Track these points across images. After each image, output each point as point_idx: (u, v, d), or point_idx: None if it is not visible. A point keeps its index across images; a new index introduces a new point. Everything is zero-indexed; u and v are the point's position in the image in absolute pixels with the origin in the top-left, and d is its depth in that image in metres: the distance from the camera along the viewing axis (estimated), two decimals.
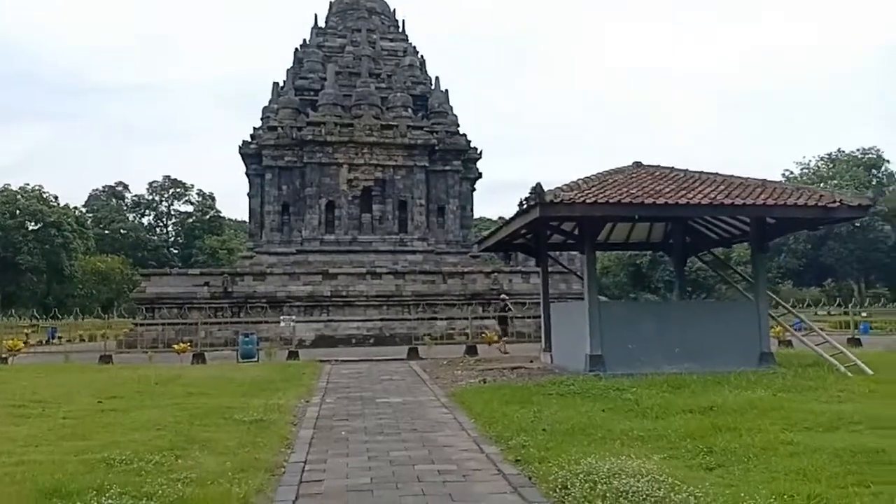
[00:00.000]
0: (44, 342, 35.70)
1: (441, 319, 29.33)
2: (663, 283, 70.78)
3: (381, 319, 30.18)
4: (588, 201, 12.12)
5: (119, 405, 10.07)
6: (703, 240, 17.59)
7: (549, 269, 34.32)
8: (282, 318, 20.10)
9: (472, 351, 19.77)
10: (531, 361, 16.87)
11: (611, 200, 12.19)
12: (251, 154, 36.63)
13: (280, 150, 35.27)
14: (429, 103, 38.31)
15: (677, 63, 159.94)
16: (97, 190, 78.44)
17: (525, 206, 12.39)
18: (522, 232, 16.04)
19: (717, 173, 14.61)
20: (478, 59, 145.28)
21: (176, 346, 18.87)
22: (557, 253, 44.62)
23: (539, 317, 29.88)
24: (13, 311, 55.41)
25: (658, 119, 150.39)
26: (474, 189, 40.38)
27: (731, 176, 14.42)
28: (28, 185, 58.39)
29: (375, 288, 30.93)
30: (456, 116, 38.94)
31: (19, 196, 56.57)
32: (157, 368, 15.91)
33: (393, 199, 35.68)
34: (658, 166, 15.14)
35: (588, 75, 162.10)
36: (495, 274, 32.61)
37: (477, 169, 39.88)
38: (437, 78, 39.01)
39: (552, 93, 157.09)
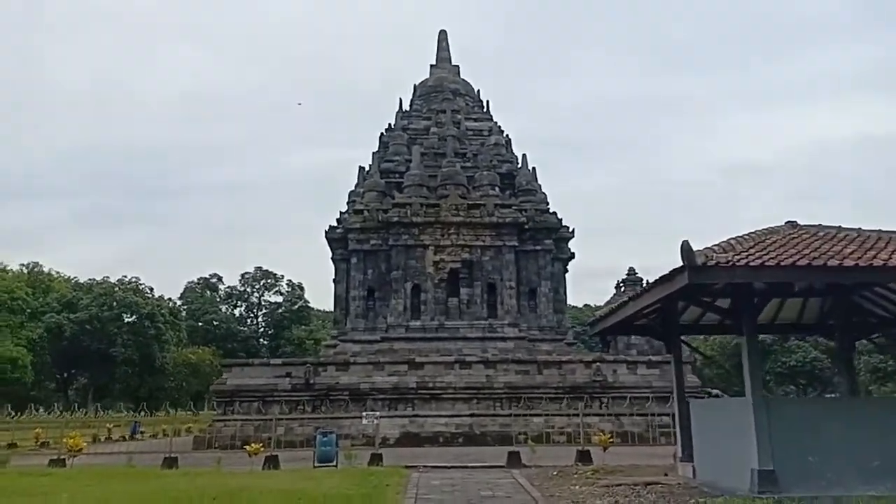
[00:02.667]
0: (126, 437, 34.88)
1: (538, 416, 26.12)
2: (773, 376, 63.94)
3: (471, 415, 27.24)
4: (752, 264, 9.36)
5: None
6: (871, 319, 14.17)
7: (661, 359, 31.10)
8: (364, 414, 17.79)
9: (584, 457, 16.58)
10: (665, 474, 13.58)
11: (783, 263, 9.39)
12: (337, 238, 35.71)
13: (366, 234, 34.13)
14: (516, 181, 36.62)
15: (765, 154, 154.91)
16: (192, 282, 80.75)
17: (671, 272, 9.73)
18: (646, 311, 13.26)
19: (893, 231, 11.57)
20: (560, 147, 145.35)
21: (248, 447, 16.76)
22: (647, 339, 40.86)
23: (651, 415, 26.61)
24: (99, 405, 56.07)
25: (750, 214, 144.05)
26: (567, 270, 37.67)
27: None
28: (125, 276, 60.34)
29: (464, 379, 28.22)
30: (545, 194, 36.98)
31: (116, 288, 58.37)
32: (222, 476, 13.75)
33: (481, 282, 33.45)
34: (818, 225, 12.21)
35: (680, 166, 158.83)
36: (597, 364, 29.24)
37: (569, 249, 37.30)
38: (524, 156, 37.50)
39: (641, 181, 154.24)
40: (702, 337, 43.02)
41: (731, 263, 9.45)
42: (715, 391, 32.48)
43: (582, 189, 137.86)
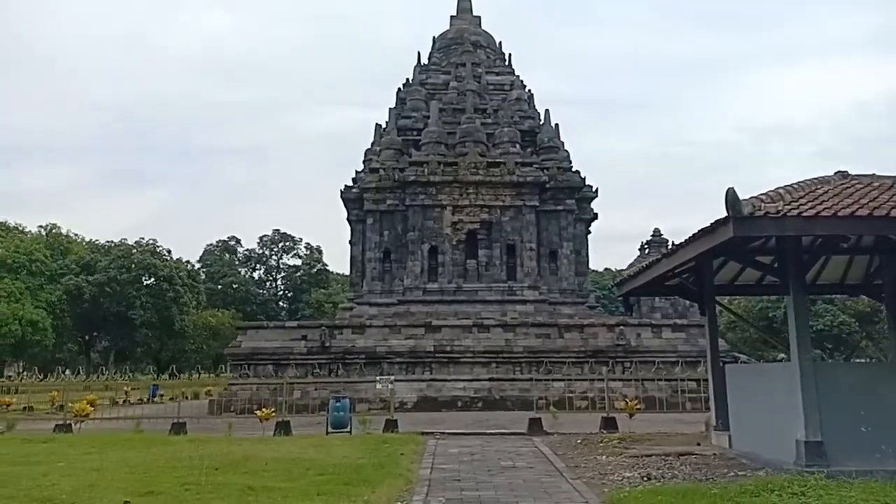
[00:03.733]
0: (145, 400, 34.85)
1: (559, 380, 25.34)
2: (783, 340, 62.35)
3: (490, 379, 26.60)
4: (806, 215, 8.34)
5: None
6: None
7: (687, 322, 30.08)
8: (379, 378, 17.13)
9: (609, 424, 15.78)
10: (698, 444, 12.75)
11: (840, 213, 8.35)
12: (352, 199, 34.86)
13: (382, 193, 33.19)
14: (538, 139, 35.29)
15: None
16: (211, 245, 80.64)
17: (713, 224, 8.72)
18: (679, 270, 12.28)
19: None
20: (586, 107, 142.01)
21: (259, 413, 16.21)
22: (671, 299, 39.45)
23: (677, 380, 25.71)
24: (125, 367, 56.48)
25: (780, 174, 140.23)
26: (589, 232, 36.49)
27: None
28: (143, 238, 60.15)
29: (483, 342, 27.51)
30: (568, 152, 35.62)
31: (134, 251, 58.15)
32: (230, 443, 13.18)
33: (500, 244, 32.49)
34: (872, 175, 11.06)
35: (707, 126, 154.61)
36: (620, 327, 28.32)
37: (592, 209, 36.08)
38: (546, 112, 36.02)
39: (668, 141, 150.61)
40: (726, 300, 41.85)
41: (781, 213, 8.43)
42: (743, 356, 31.48)
43: (605, 150, 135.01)
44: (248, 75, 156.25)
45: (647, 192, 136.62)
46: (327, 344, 26.79)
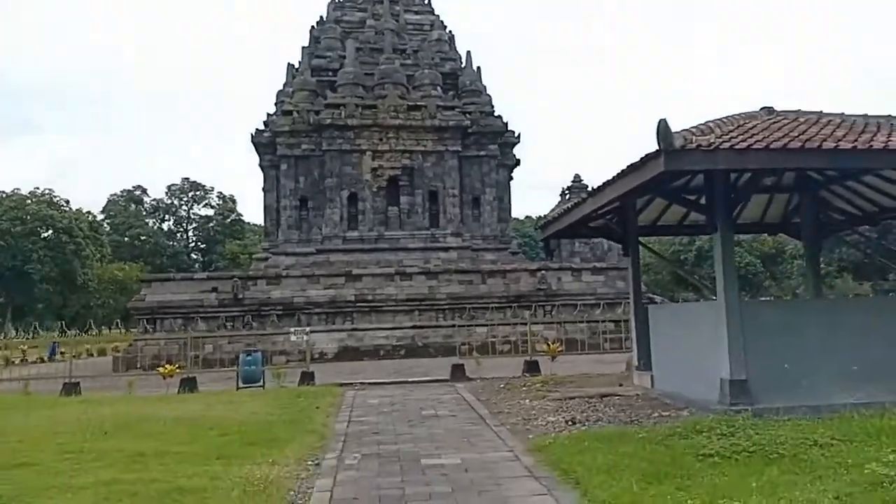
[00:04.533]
0: (44, 359, 32.53)
1: (482, 326, 25.18)
2: (710, 280, 65.42)
3: (413, 327, 26.17)
4: (738, 147, 7.96)
5: (6, 491, 6.16)
6: (837, 216, 13.31)
7: (606, 265, 30.49)
8: (293, 329, 16.23)
9: (532, 368, 15.61)
10: (620, 384, 12.68)
11: (772, 146, 8.02)
12: (265, 143, 32.96)
13: (296, 137, 31.52)
14: (459, 81, 34.30)
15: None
16: (115, 195, 75.82)
17: (643, 159, 8.23)
18: (602, 211, 11.91)
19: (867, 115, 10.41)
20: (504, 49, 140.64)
21: (161, 369, 15.05)
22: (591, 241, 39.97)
23: (597, 321, 26.08)
24: (21, 324, 52.78)
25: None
26: (512, 178, 36.18)
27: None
28: (38, 188, 55.65)
29: (405, 290, 26.94)
30: (490, 97, 34.88)
31: (29, 201, 53.82)
32: (129, 402, 12.08)
33: (422, 190, 31.70)
34: (798, 111, 10.89)
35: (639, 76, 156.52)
36: (542, 272, 28.38)
37: (514, 155, 35.68)
38: (468, 53, 34.96)
39: (592, 90, 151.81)
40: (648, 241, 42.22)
41: (713, 146, 8.01)
42: (657, 297, 32.33)
43: (526, 96, 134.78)
44: (158, 16, 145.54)
45: (566, 140, 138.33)
46: (240, 296, 25.50)
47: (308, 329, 16.13)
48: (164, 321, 25.52)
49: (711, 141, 8.11)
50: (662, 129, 7.85)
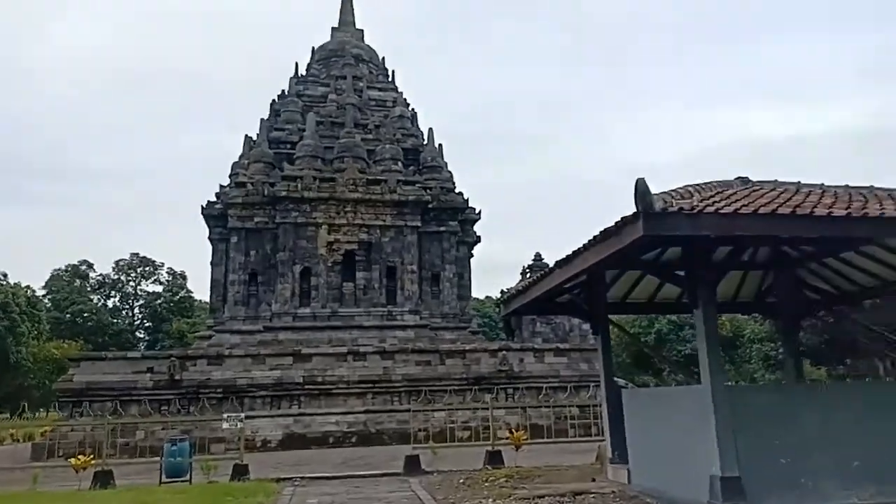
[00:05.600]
0: None
1: (440, 410, 23.59)
2: (671, 363, 64.70)
3: (366, 411, 24.38)
4: (724, 212, 7.14)
5: None
6: (816, 295, 12.64)
7: (569, 346, 29.45)
8: (225, 415, 14.49)
9: (495, 459, 14.14)
10: (593, 479, 11.36)
11: (761, 211, 7.23)
12: (216, 216, 31.67)
13: (249, 210, 30.34)
14: (421, 157, 33.97)
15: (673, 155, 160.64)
16: (58, 270, 72.46)
17: (620, 222, 7.33)
18: (569, 286, 10.98)
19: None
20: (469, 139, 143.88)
21: (73, 460, 13.11)
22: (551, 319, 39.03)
23: (561, 406, 24.81)
24: None
25: None
26: (472, 255, 35.41)
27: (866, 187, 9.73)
28: None
29: (358, 372, 25.26)
30: (451, 173, 34.55)
31: None
32: (34, 499, 10.21)
33: (380, 265, 30.57)
34: (774, 181, 10.32)
35: (589, 163, 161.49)
36: (503, 352, 27.11)
37: (475, 232, 35.09)
38: (430, 129, 34.84)
39: (550, 178, 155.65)
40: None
41: (697, 210, 7.18)
42: (620, 381, 31.22)
43: (486, 182, 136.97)
44: (125, 88, 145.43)
45: (530, 223, 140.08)
46: (177, 377, 23.45)
47: (242, 416, 14.41)
48: (94, 404, 23.19)
49: (694, 204, 7.29)
50: (641, 188, 7.00)
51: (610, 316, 12.61)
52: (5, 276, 54.12)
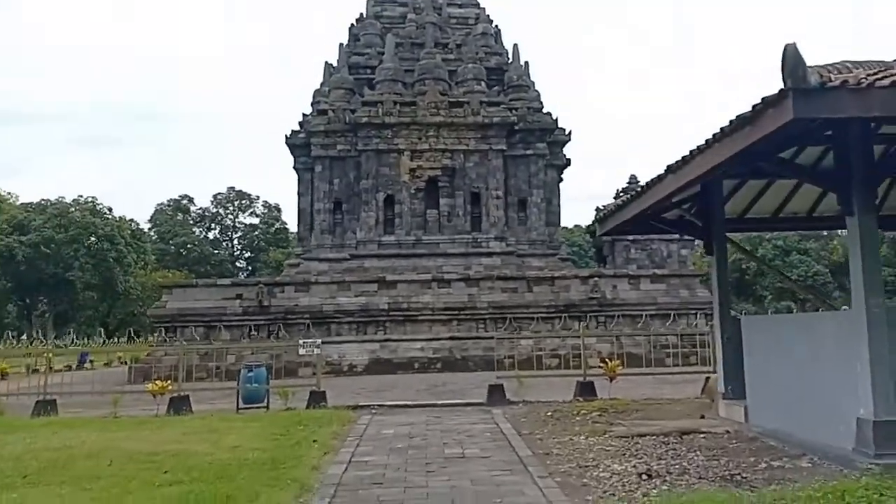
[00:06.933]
0: (72, 367, 31.48)
1: (526, 338, 22.63)
2: (773, 292, 60.93)
3: (451, 338, 23.84)
4: None
5: None
6: None
7: (667, 272, 27.55)
8: (301, 342, 14.11)
9: (587, 390, 13.03)
10: (702, 416, 10.04)
11: None
12: (300, 145, 31.26)
13: (331, 137, 29.71)
14: (506, 77, 31.98)
15: None
16: (162, 204, 76.05)
17: (759, 105, 5.73)
18: (677, 199, 9.42)
19: None
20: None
21: (150, 386, 13.10)
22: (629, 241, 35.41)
23: (661, 335, 23.19)
24: (63, 331, 52.59)
25: None
26: (561, 179, 33.53)
27: None
28: (81, 196, 55.63)
29: (443, 299, 24.62)
30: (538, 92, 32.45)
31: (72, 209, 53.76)
32: (97, 427, 10.09)
33: (464, 192, 29.42)
34: None
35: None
36: (594, 279, 25.66)
37: (564, 155, 33.07)
38: (515, 46, 32.57)
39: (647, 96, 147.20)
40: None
41: (866, 84, 5.47)
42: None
43: (575, 101, 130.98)
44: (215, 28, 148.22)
45: (624, 152, 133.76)
46: (266, 303, 23.63)
47: (319, 341, 13.96)
48: (185, 329, 23.82)
49: (861, 78, 5.56)
50: (791, 57, 5.34)
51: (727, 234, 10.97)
52: (110, 209, 57.02)
